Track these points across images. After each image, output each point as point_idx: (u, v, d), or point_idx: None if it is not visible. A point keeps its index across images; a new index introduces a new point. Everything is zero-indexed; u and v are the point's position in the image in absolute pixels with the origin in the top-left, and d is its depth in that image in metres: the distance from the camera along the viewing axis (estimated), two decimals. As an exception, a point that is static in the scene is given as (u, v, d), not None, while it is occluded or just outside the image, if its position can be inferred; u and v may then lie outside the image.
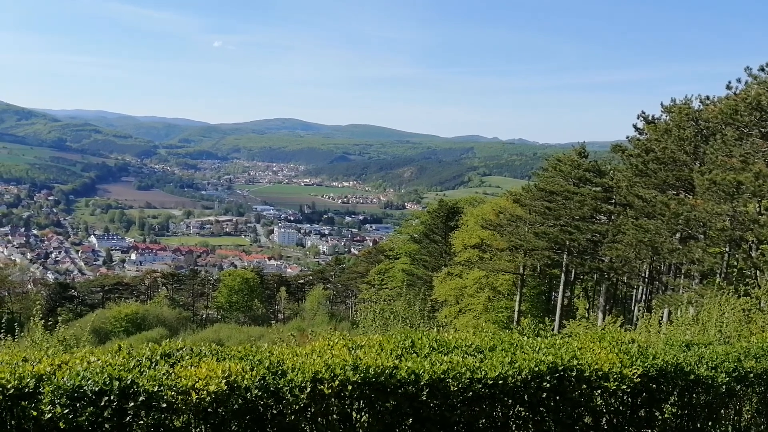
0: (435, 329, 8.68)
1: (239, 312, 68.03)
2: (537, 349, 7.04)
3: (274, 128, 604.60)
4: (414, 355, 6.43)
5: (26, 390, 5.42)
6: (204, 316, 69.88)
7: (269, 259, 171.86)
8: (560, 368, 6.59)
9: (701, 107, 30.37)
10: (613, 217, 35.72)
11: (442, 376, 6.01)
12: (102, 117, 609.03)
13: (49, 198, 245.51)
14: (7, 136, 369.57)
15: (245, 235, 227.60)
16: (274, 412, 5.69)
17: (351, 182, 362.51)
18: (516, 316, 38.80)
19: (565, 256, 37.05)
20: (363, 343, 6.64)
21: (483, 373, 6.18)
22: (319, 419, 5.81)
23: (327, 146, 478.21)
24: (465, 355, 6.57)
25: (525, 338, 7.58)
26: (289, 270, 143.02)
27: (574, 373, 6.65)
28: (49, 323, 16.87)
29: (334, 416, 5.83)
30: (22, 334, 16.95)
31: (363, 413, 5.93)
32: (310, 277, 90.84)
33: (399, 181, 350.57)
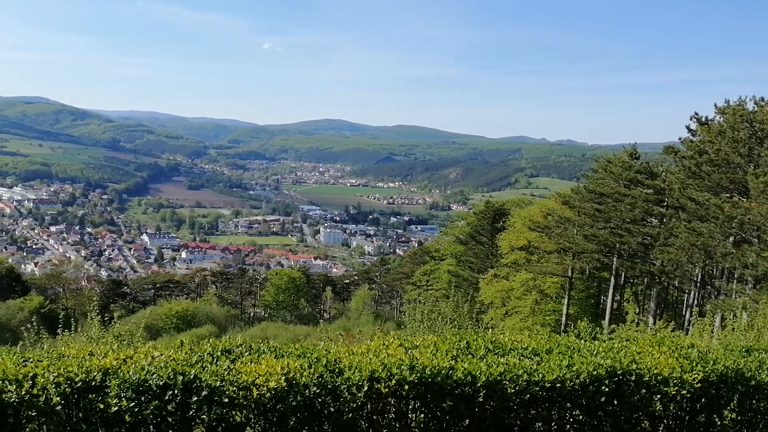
0: (489, 331, 8.62)
1: (286, 311, 68.72)
2: (595, 352, 6.95)
3: (321, 129, 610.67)
4: (470, 356, 6.43)
5: (93, 383, 5.59)
6: (252, 314, 70.85)
7: (315, 258, 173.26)
8: (619, 372, 6.50)
9: (756, 109, 29.39)
10: (665, 220, 34.86)
11: (499, 378, 6.00)
12: (154, 118, 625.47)
13: (103, 197, 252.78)
14: (62, 136, 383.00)
15: (292, 235, 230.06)
16: (332, 409, 5.76)
17: (397, 183, 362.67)
18: (564, 319, 38.20)
19: (615, 259, 36.29)
20: (418, 344, 6.67)
21: (540, 375, 6.15)
22: (376, 418, 5.85)
23: (373, 147, 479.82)
24: (521, 358, 6.54)
25: (582, 341, 7.49)
26: (334, 270, 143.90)
27: (633, 378, 6.56)
28: (106, 319, 17.43)
29: (391, 415, 5.87)
30: (78, 329, 17.54)
31: (419, 413, 5.95)
32: (356, 277, 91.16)
33: (445, 182, 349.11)
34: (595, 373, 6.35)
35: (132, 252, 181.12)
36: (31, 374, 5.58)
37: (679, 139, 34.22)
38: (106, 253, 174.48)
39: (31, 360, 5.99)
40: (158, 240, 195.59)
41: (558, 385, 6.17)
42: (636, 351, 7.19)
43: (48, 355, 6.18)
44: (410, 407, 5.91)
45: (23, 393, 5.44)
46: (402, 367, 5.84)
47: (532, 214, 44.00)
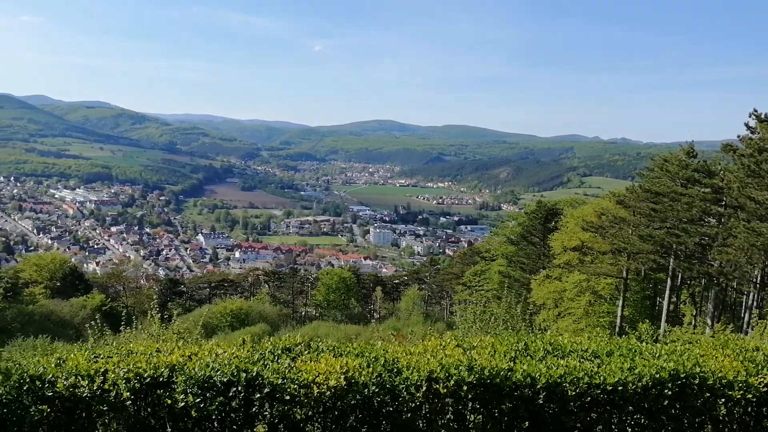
0: (546, 332, 8.52)
1: (336, 310, 69.25)
2: (657, 355, 6.82)
3: (371, 130, 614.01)
4: (528, 358, 6.40)
5: (161, 379, 5.79)
6: (303, 313, 71.64)
7: (365, 258, 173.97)
8: (682, 376, 6.36)
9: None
10: (723, 220, 33.71)
11: (559, 381, 5.96)
12: (209, 121, 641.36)
13: (160, 198, 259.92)
14: (122, 140, 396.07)
15: (342, 235, 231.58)
16: (390, 408, 5.81)
17: (446, 183, 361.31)
18: (619, 321, 37.39)
19: (671, 259, 35.29)
20: (476, 344, 6.67)
21: (601, 378, 6.08)
22: (434, 418, 5.87)
23: (422, 147, 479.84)
24: (581, 360, 6.47)
25: (643, 344, 7.35)
26: (384, 270, 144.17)
27: (696, 381, 6.41)
28: (165, 317, 17.98)
29: (449, 416, 5.88)
30: (138, 327, 18.17)
31: (477, 414, 5.95)
32: (405, 278, 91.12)
33: (495, 181, 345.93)
34: (657, 376, 6.23)
35: (188, 252, 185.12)
36: (102, 370, 5.81)
37: (738, 136, 32.96)
38: (164, 252, 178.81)
39: (101, 356, 6.23)
40: (213, 240, 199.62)
41: (620, 388, 6.08)
42: (699, 354, 7.02)
43: (117, 352, 6.42)
44: (469, 408, 5.91)
45: (95, 388, 5.67)
46: (460, 367, 5.86)
47: (586, 214, 43.22)
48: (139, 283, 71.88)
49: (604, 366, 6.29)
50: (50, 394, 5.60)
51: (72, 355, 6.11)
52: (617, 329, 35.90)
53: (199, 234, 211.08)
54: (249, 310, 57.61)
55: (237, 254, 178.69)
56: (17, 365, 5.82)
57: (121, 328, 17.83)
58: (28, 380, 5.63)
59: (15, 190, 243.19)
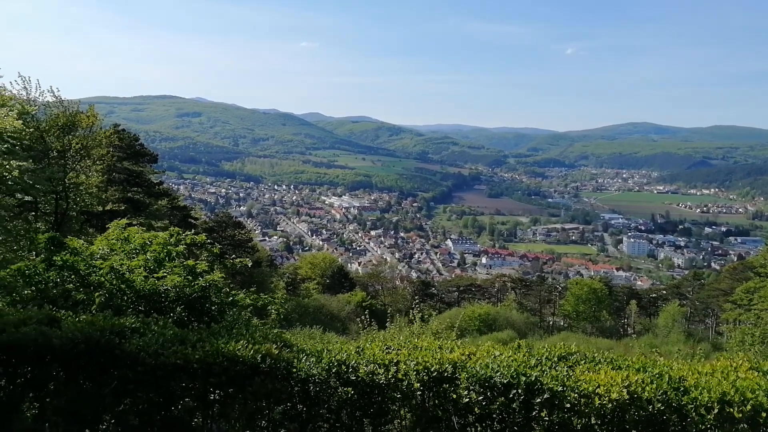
0: None
1: (586, 322, 66.60)
2: None
3: (625, 133, 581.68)
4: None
5: (445, 374, 6.28)
6: (551, 322, 70.12)
7: (617, 269, 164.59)
8: None
9: None
10: None
11: None
12: (458, 130, 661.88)
13: (413, 204, 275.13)
14: (381, 150, 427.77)
15: (591, 244, 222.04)
16: (677, 429, 5.60)
17: (712, 190, 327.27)
18: None
19: None
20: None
21: None
22: (728, 444, 5.52)
23: (684, 150, 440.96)
24: None
25: None
26: (639, 282, 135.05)
27: None
28: (425, 317, 19.10)
29: (746, 443, 5.49)
30: (401, 323, 19.58)
31: (779, 445, 5.47)
32: (664, 292, 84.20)
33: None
34: None
35: (438, 256, 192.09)
36: (395, 360, 6.48)
37: None
38: (416, 256, 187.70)
39: (392, 348, 6.93)
40: (460, 245, 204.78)
41: None
42: None
43: (405, 345, 7.08)
44: (768, 438, 5.47)
45: (390, 377, 6.34)
46: (758, 392, 5.44)
47: None
48: (394, 283, 76.37)
49: None
50: (353, 378, 6.39)
51: (369, 345, 6.90)
52: None
53: (448, 239, 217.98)
54: (496, 315, 57.97)
55: (483, 260, 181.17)
56: (326, 350, 6.75)
57: (387, 324, 19.46)
58: (335, 364, 6.49)
59: (294, 197, 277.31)
